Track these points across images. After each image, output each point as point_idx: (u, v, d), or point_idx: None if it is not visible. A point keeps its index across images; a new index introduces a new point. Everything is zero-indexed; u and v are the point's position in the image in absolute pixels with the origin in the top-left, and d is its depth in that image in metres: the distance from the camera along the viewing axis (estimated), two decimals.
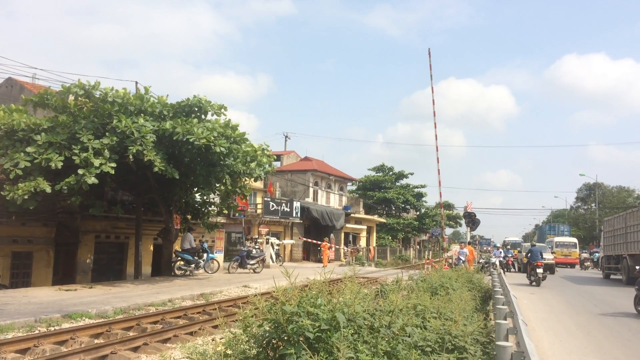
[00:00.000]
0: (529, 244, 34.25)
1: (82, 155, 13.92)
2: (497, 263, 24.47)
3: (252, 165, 17.39)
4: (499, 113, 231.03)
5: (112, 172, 14.24)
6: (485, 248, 46.95)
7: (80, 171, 13.69)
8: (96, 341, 8.49)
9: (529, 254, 20.36)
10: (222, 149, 15.24)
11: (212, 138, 14.96)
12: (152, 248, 21.46)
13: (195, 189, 19.53)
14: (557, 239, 41.79)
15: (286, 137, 50.67)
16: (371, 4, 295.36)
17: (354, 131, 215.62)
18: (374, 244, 46.26)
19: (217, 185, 19.08)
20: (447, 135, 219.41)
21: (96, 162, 13.88)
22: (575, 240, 41.49)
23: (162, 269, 19.44)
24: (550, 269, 27.55)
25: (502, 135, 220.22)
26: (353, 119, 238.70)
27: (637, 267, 15.65)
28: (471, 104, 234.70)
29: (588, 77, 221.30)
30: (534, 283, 19.51)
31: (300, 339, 3.66)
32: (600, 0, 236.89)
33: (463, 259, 24.71)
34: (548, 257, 27.96)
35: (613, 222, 24.16)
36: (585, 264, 37.09)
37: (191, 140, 14.72)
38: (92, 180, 13.68)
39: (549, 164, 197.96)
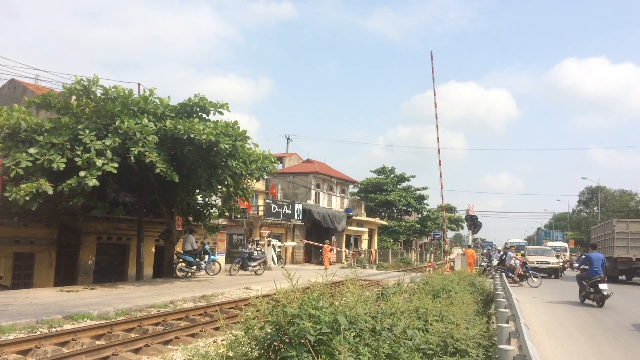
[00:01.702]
0: (536, 247, 35.07)
1: (84, 156, 13.94)
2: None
3: (254, 166, 17.41)
4: (499, 116, 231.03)
5: (115, 171, 14.25)
6: (486, 251, 47.10)
7: (81, 173, 13.71)
8: (97, 342, 8.50)
9: (504, 257, 22.97)
10: (226, 146, 15.24)
11: (213, 138, 14.97)
12: (153, 250, 21.48)
13: (197, 191, 19.55)
14: (549, 243, 44.48)
15: (288, 139, 50.72)
16: (371, 8, 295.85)
17: (355, 133, 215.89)
18: (376, 247, 46.23)
19: (219, 187, 19.10)
20: (448, 138, 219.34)
21: (99, 162, 13.90)
22: (565, 244, 46.31)
23: (164, 270, 19.45)
24: (555, 272, 27.68)
25: (502, 138, 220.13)
26: (354, 121, 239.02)
27: (576, 265, 17.51)
28: (472, 107, 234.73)
29: (588, 80, 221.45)
30: (510, 282, 20.97)
31: (302, 341, 3.65)
32: (601, 4, 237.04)
33: (514, 263, 22.21)
34: (552, 260, 28.12)
35: (597, 230, 28.92)
36: (564, 265, 40.25)
37: (193, 136, 14.71)
38: (93, 182, 13.70)
39: (550, 167, 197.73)
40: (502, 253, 25.75)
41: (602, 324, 11.50)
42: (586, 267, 15.53)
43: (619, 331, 10.53)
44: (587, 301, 15.06)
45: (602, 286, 14.30)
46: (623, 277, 25.40)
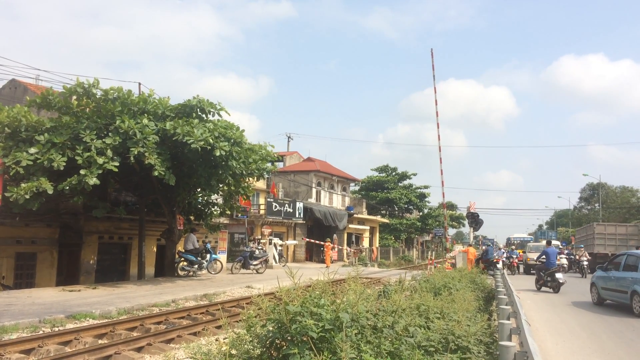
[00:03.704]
0: (537, 243, 35.00)
1: (84, 155, 13.95)
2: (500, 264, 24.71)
3: (253, 166, 17.38)
4: (499, 113, 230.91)
5: (116, 170, 14.26)
6: (485, 248, 47.26)
7: (82, 171, 13.72)
8: (100, 341, 8.52)
9: (484, 254, 24.98)
10: (223, 152, 15.25)
11: (211, 141, 14.97)
12: (155, 249, 21.51)
13: (198, 190, 19.55)
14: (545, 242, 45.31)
15: (289, 137, 50.67)
16: (370, 6, 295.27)
17: (355, 131, 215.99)
18: (377, 245, 46.24)
19: (220, 186, 19.10)
20: (448, 136, 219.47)
21: (99, 160, 13.91)
22: (558, 243, 47.07)
23: (166, 269, 19.47)
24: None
25: (502, 135, 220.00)
26: (354, 119, 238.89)
27: (535, 257, 20.32)
28: (471, 104, 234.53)
29: (586, 77, 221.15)
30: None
31: (304, 338, 3.66)
32: (599, 1, 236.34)
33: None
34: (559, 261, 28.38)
35: (581, 231, 35.47)
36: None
37: (189, 142, 14.74)
38: (93, 180, 13.69)
39: (550, 164, 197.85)
40: (483, 250, 26.06)
41: (604, 321, 11.50)
42: (544, 260, 17.77)
43: (621, 328, 10.53)
44: (544, 288, 17.54)
45: (558, 275, 17.07)
46: None
